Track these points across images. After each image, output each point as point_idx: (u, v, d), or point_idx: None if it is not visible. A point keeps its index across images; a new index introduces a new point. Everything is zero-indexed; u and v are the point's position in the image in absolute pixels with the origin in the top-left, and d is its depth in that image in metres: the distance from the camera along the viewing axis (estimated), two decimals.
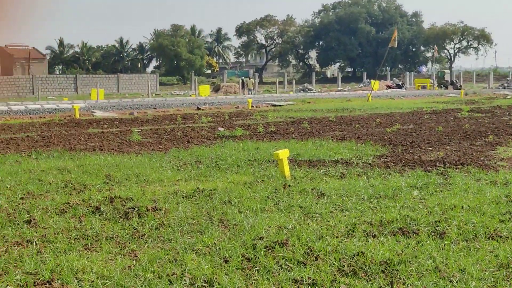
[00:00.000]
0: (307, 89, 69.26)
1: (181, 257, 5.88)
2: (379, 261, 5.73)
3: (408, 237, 6.58)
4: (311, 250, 6.07)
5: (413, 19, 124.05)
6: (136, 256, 6.01)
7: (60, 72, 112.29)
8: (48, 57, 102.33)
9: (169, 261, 5.78)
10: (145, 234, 6.79)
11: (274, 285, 5.23)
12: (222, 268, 5.61)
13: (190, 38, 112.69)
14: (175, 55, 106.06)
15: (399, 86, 72.01)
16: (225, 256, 5.92)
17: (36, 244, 6.42)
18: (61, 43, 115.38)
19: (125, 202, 8.30)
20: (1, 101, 47.33)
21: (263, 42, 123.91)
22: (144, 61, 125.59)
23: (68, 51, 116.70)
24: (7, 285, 5.13)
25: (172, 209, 7.91)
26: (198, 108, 35.68)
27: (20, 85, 66.58)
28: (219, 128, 20.75)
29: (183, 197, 8.76)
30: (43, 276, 5.38)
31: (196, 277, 5.36)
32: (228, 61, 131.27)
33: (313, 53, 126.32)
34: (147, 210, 7.75)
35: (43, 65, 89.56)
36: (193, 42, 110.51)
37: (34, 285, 5.17)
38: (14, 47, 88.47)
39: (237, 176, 10.61)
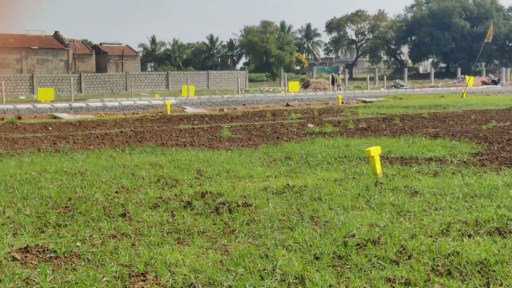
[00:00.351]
0: (398, 85, 68.16)
1: (271, 253, 5.87)
2: (475, 261, 5.55)
3: (505, 237, 6.35)
4: (404, 249, 5.94)
5: (509, 13, 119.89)
6: (227, 251, 6.04)
7: (152, 69, 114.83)
8: (141, 55, 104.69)
9: (260, 257, 5.78)
10: (235, 229, 6.83)
11: (366, 283, 5.15)
12: (313, 265, 5.57)
13: (280, 35, 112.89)
14: (265, 52, 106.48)
15: (494, 82, 69.79)
16: (316, 253, 5.87)
17: (131, 237, 6.57)
18: (153, 41, 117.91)
19: (216, 198, 8.38)
20: (96, 98, 48.88)
21: (354, 37, 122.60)
22: (234, 58, 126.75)
23: (160, 48, 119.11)
24: (103, 276, 5.26)
25: (262, 205, 7.92)
26: (287, 105, 35.70)
27: (114, 82, 68.51)
28: (309, 125, 20.68)
29: (273, 193, 8.76)
30: (137, 268, 5.49)
31: (287, 273, 5.34)
32: (317, 57, 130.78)
33: (405, 49, 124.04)
34: (238, 206, 7.79)
35: (136, 62, 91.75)
36: (283, 39, 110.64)
37: (129, 277, 5.28)
38: (108, 45, 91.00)
39: (327, 173, 10.53)
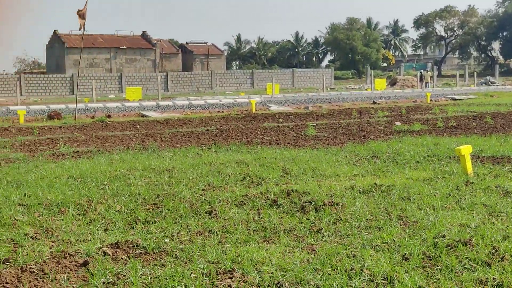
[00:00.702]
0: (489, 82, 66.26)
1: (359, 253, 5.79)
2: None
3: None
4: (496, 251, 5.74)
5: None
6: (314, 250, 5.99)
7: (237, 67, 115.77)
8: (226, 53, 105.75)
9: (347, 256, 5.71)
10: (322, 228, 6.77)
11: (457, 285, 5.00)
12: (401, 266, 5.45)
13: (366, 31, 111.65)
14: (350, 49, 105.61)
15: None
16: (405, 254, 5.75)
17: (217, 234, 6.61)
18: (238, 39, 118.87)
19: (302, 196, 8.33)
20: (182, 96, 49.68)
21: (442, 33, 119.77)
22: (319, 55, 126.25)
23: (245, 46, 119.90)
24: (191, 273, 5.31)
25: (349, 204, 7.82)
26: (373, 102, 35.29)
27: (200, 80, 69.47)
28: (396, 123, 20.36)
29: (360, 192, 8.64)
30: (224, 265, 5.51)
31: (375, 273, 5.25)
32: (405, 54, 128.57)
33: (496, 45, 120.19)
34: (324, 205, 7.72)
35: (221, 61, 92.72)
36: (369, 35, 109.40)
37: (217, 274, 5.31)
38: (195, 44, 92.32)
39: (415, 172, 10.32)
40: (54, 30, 76.34)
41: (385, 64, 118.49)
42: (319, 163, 11.45)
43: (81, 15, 24.44)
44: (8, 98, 52.91)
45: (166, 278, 5.20)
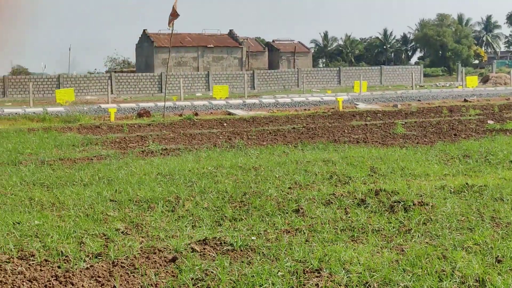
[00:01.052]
0: None
1: (450, 254, 5.64)
2: None
3: None
4: None
5: None
6: (403, 251, 5.89)
7: (324, 65, 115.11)
8: (312, 51, 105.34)
9: (438, 258, 5.58)
10: (411, 228, 6.64)
11: None
12: (494, 268, 5.29)
13: (457, 27, 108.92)
14: (441, 46, 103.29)
15: None
16: (498, 256, 5.58)
17: (304, 233, 6.58)
18: (325, 36, 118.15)
19: (391, 196, 8.19)
20: (268, 94, 49.85)
21: None
22: (408, 52, 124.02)
23: (332, 44, 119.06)
24: (278, 271, 5.30)
25: (440, 205, 7.64)
26: (465, 100, 34.37)
27: (286, 78, 69.47)
28: (489, 121, 19.76)
29: (450, 192, 8.43)
30: (311, 264, 5.48)
31: (466, 275, 5.11)
32: (497, 50, 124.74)
33: None
34: (413, 205, 7.57)
35: (308, 59, 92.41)
36: (460, 32, 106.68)
37: (304, 273, 5.28)
38: (281, 42, 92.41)
39: (509, 172, 9.98)
40: (144, 30, 78.01)
41: (476, 61, 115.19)
42: (408, 162, 11.24)
43: (172, 13, 24.89)
44: (99, 96, 54.47)
45: (253, 276, 5.22)
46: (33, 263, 5.73)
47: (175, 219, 7.38)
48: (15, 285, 5.16)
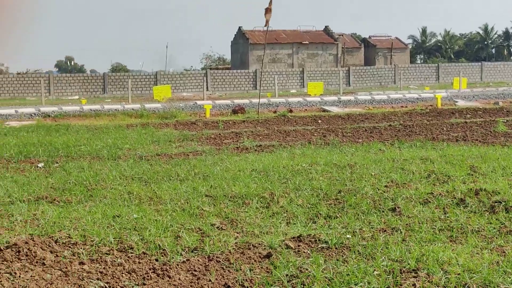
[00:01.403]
0: None
1: None
2: None
3: None
4: None
5: None
6: (504, 252, 5.69)
7: (421, 61, 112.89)
8: (410, 47, 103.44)
9: None
10: None
11: None
12: None
13: None
14: None
15: None
16: None
17: (401, 232, 6.46)
18: (423, 32, 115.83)
19: (491, 196, 7.92)
20: (364, 91, 49.35)
21: None
22: (510, 48, 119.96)
23: (430, 40, 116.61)
24: (374, 270, 5.22)
25: None
26: None
27: (382, 75, 68.51)
28: None
29: None
30: (408, 264, 5.36)
31: None
32: None
33: None
34: None
35: (405, 55, 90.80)
36: None
37: (400, 273, 5.18)
38: (377, 37, 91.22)
39: None
40: (239, 27, 78.75)
41: None
42: (510, 161, 10.84)
43: (267, 10, 25.00)
44: (195, 93, 55.36)
45: (348, 274, 5.16)
46: (132, 256, 5.87)
47: (270, 216, 7.39)
48: (115, 276, 5.30)
